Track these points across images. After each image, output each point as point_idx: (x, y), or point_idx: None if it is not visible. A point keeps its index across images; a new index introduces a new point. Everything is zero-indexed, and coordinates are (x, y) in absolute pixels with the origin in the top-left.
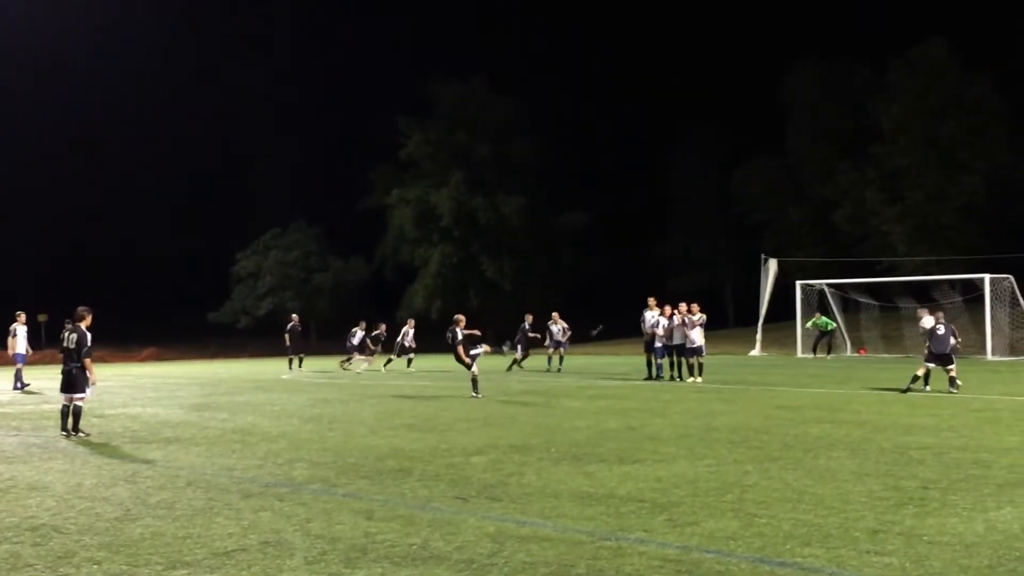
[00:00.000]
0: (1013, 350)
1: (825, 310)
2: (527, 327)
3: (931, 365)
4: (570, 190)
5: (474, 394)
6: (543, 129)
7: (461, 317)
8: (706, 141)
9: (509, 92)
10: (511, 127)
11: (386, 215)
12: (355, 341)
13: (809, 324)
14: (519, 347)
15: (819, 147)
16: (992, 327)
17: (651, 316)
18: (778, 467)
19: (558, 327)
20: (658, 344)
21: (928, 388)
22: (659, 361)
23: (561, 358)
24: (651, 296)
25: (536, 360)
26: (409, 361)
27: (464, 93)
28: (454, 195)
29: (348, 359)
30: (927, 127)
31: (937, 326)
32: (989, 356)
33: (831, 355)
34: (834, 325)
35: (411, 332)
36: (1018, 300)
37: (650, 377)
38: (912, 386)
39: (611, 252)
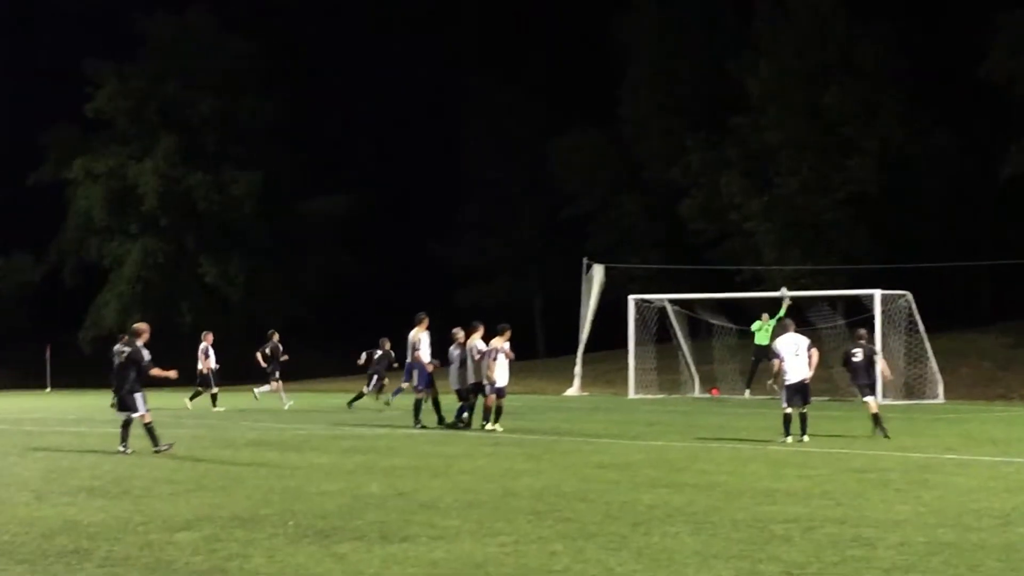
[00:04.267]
0: (909, 391)
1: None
2: (389, 350)
3: (870, 399)
4: (326, 165)
5: (160, 446)
6: (289, 81)
7: (144, 327)
8: (512, 105)
9: (242, 29)
10: (244, 77)
11: (66, 195)
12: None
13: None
14: (375, 377)
15: (663, 116)
16: (884, 360)
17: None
18: (597, 547)
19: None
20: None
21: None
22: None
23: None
24: (458, 327)
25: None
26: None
27: (179, 30)
28: (162, 168)
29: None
30: (805, 94)
31: (853, 351)
32: (879, 399)
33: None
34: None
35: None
36: (917, 324)
37: (452, 422)
38: (884, 427)
39: (380, 251)
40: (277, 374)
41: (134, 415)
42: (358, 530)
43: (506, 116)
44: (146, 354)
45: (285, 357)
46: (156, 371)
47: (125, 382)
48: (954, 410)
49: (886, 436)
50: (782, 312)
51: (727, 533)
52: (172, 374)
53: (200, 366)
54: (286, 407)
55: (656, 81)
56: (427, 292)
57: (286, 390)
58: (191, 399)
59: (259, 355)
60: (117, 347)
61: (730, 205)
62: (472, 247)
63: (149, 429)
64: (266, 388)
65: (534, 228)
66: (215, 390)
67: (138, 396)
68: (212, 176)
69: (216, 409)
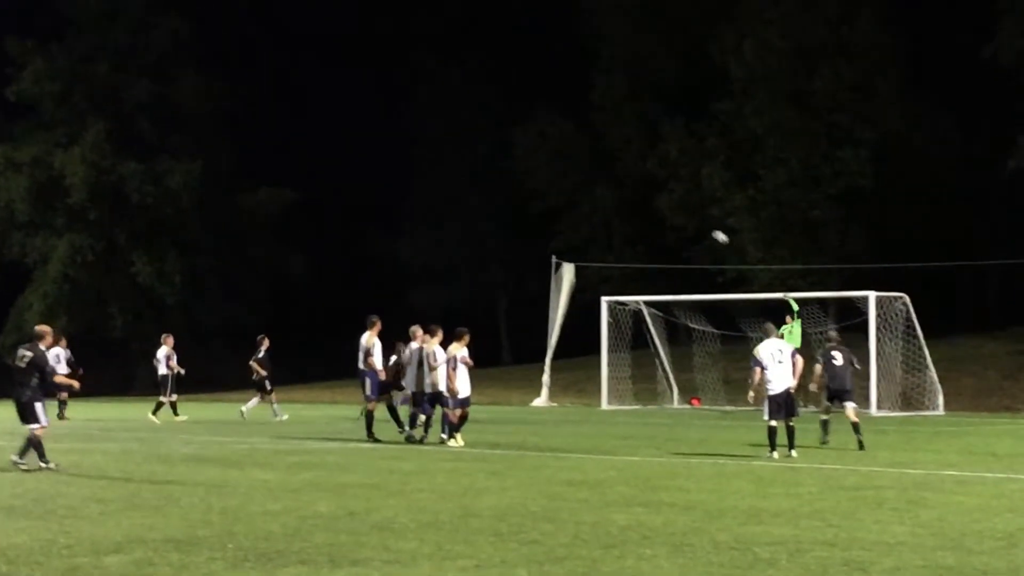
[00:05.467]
0: (906, 402)
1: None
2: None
3: (830, 405)
4: (270, 155)
5: (33, 462)
6: (230, 64)
7: (47, 329)
8: (471, 90)
9: (177, 7)
10: (181, 59)
11: None
12: (164, 369)
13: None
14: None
15: (638, 101)
16: (878, 368)
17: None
18: (565, 571)
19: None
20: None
21: (827, 439)
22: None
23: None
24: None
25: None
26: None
27: (109, 5)
28: (92, 157)
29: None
30: (793, 77)
31: (833, 352)
32: (873, 411)
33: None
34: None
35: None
36: (915, 329)
37: (408, 432)
38: (827, 437)
39: (328, 248)
40: (268, 384)
41: (34, 426)
42: (304, 553)
43: (464, 101)
44: (51, 358)
45: (257, 369)
46: (60, 377)
47: (26, 389)
48: (955, 423)
49: (824, 441)
50: (796, 307)
51: (707, 556)
52: (76, 384)
53: (163, 371)
54: (244, 413)
55: (630, 63)
56: (379, 293)
57: (220, 400)
58: (153, 411)
59: (254, 364)
60: (19, 351)
61: (711, 199)
62: (428, 244)
63: (36, 442)
64: (276, 405)
65: (497, 224)
66: (163, 399)
67: (39, 406)
68: (146, 166)
69: (151, 418)
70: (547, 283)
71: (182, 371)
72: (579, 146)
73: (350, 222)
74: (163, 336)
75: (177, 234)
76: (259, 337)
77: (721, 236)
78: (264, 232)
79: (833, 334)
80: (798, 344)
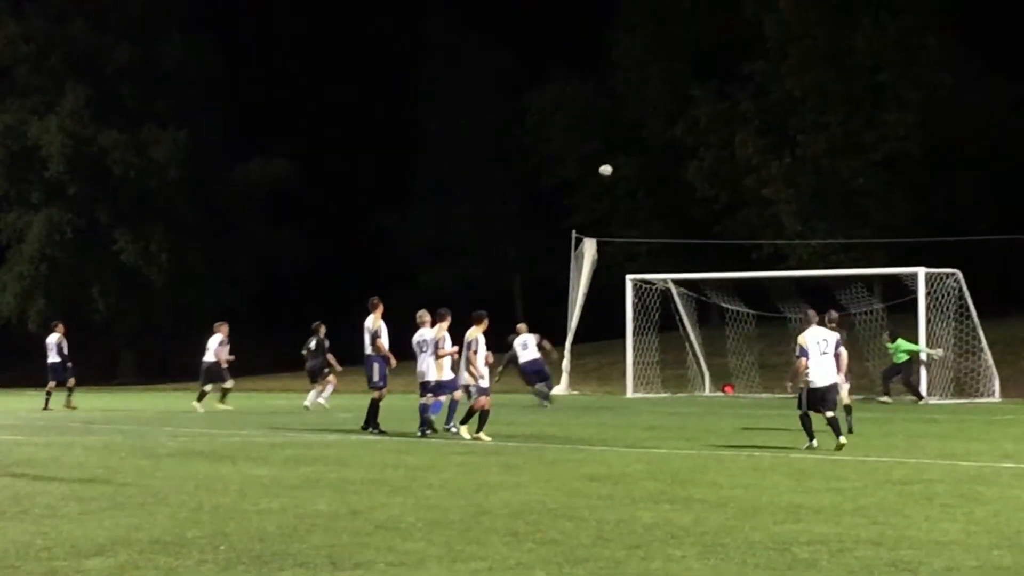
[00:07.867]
0: (960, 388)
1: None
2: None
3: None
4: (263, 123)
5: None
6: (218, 23)
7: None
8: (481, 52)
9: None
10: (167, 18)
11: None
12: (213, 356)
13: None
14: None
15: (663, 62)
16: (929, 351)
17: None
18: (586, 573)
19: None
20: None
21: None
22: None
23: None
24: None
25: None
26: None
27: None
28: (70, 126)
29: (210, 391)
30: (832, 34)
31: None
32: (924, 397)
33: (916, 398)
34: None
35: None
36: (968, 309)
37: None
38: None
39: (326, 224)
40: (326, 370)
41: None
42: (302, 555)
43: (474, 65)
44: (48, 345)
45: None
46: None
47: None
48: (1012, 410)
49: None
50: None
51: (742, 557)
52: None
53: (213, 358)
54: (327, 406)
55: (655, 19)
56: (383, 273)
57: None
58: (199, 399)
59: (329, 357)
60: None
61: (745, 168)
62: (436, 220)
63: None
64: (327, 392)
65: (511, 198)
66: (229, 383)
67: None
68: (129, 135)
69: (221, 406)
70: (566, 261)
71: (219, 362)
72: (599, 110)
73: (351, 196)
74: (216, 324)
75: (163, 209)
76: (315, 324)
77: (606, 169)
78: (257, 206)
79: (835, 315)
80: (913, 348)
